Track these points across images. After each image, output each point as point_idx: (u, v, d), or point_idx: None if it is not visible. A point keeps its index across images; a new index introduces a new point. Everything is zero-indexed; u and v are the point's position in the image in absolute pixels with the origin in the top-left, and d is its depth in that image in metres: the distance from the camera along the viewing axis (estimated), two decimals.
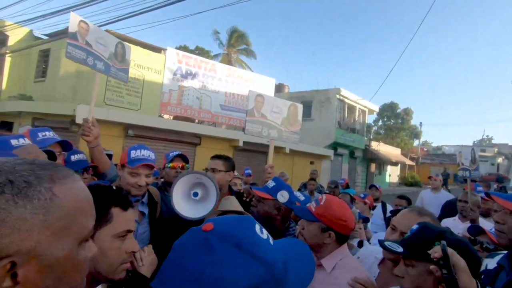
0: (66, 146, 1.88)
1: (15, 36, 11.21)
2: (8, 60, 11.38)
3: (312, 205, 1.49)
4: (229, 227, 0.54)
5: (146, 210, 2.00)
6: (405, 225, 1.33)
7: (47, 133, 1.71)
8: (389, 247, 1.07)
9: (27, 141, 1.28)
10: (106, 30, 11.00)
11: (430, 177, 5.67)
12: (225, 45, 25.54)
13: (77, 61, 2.06)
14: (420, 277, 1.00)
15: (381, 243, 1.14)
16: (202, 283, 0.49)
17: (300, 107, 2.77)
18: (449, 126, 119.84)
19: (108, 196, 0.91)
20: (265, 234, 0.57)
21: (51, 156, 1.25)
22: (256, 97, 2.52)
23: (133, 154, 1.79)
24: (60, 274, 0.47)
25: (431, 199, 5.23)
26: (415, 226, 1.13)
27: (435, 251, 0.91)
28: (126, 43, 2.44)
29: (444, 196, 5.18)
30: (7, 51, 11.27)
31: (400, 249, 1.05)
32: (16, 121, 9.75)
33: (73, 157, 2.08)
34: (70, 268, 0.48)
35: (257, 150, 12.58)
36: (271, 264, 0.52)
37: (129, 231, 0.93)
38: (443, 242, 0.90)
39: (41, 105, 9.67)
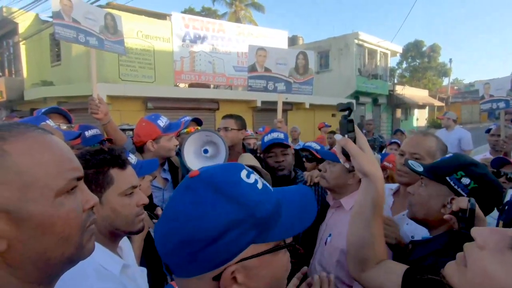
0: (68, 116, 1.97)
1: (23, 22, 11.23)
2: (23, 48, 11.58)
3: None
4: (213, 172, 0.58)
5: (169, 176, 2.09)
6: (411, 145, 1.47)
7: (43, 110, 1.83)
8: (411, 165, 1.12)
9: (51, 122, 1.45)
10: (110, 2, 10.65)
11: (438, 118, 5.42)
12: (230, 1, 24.26)
13: (68, 41, 2.03)
14: (428, 196, 1.05)
15: (405, 161, 1.20)
16: (181, 221, 0.54)
17: (310, 53, 2.59)
18: (482, 60, 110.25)
19: (104, 160, 0.95)
20: (252, 178, 0.58)
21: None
22: (257, 51, 2.40)
23: (162, 124, 1.94)
24: (39, 227, 0.48)
25: (443, 138, 5.05)
26: (448, 155, 1.17)
27: (459, 202, 0.89)
28: (115, 14, 2.33)
29: (458, 133, 5.03)
30: (20, 39, 11.43)
31: (421, 168, 1.10)
32: (43, 107, 10.14)
33: (88, 133, 2.15)
34: (50, 221, 0.49)
35: (276, 109, 12.44)
36: (251, 206, 0.54)
37: (133, 187, 1.00)
38: (472, 200, 0.88)
39: (62, 89, 9.97)
